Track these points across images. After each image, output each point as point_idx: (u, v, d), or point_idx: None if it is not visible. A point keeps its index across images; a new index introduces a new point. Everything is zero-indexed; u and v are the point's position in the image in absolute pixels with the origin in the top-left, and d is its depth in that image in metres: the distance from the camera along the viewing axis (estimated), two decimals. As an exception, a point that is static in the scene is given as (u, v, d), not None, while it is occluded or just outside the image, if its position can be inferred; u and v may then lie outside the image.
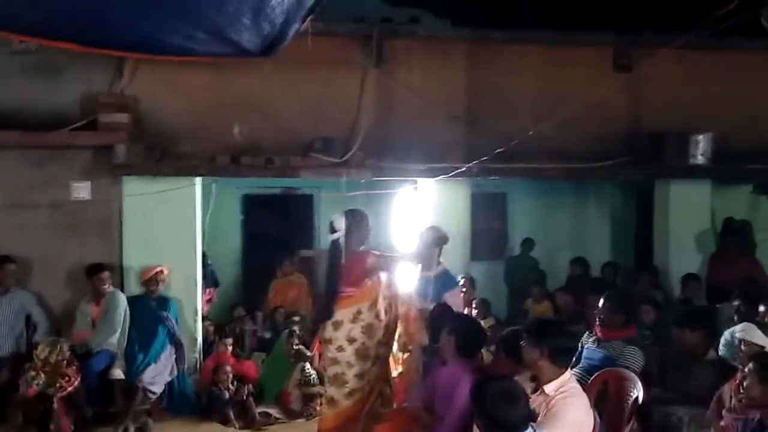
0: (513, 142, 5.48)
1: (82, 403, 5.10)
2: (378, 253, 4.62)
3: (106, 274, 5.63)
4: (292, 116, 6.37)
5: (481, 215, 7.82)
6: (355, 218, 4.62)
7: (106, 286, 5.61)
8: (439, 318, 4.29)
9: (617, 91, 6.76)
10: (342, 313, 4.50)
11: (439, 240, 4.88)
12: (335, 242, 4.58)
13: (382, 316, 4.56)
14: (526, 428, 2.59)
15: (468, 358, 3.77)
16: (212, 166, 6.16)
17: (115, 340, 5.42)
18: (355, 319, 4.48)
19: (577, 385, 3.19)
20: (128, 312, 5.55)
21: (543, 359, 3.11)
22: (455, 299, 4.75)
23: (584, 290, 6.14)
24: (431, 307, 4.57)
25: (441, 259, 4.88)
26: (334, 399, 4.49)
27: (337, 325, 4.50)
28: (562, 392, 3.05)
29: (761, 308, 4.24)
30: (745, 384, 2.75)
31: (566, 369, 3.18)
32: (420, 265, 4.80)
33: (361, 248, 4.58)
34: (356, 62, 6.51)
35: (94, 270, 5.63)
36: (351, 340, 4.48)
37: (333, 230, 4.59)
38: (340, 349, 4.48)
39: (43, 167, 5.96)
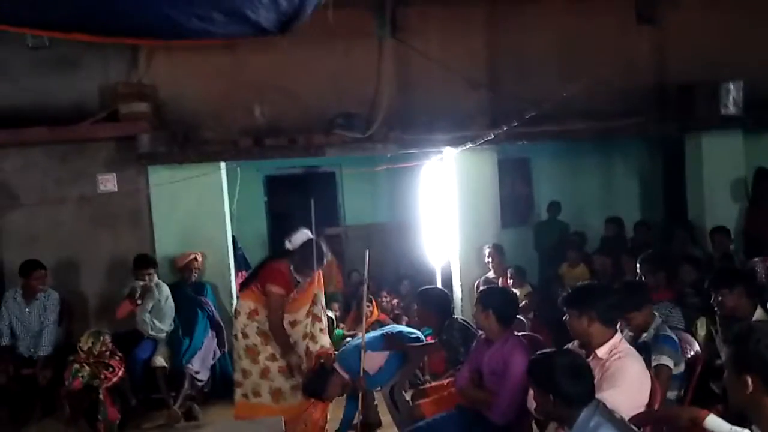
0: (543, 106, 5.34)
1: (128, 392, 5.15)
2: (292, 283, 4.42)
3: (150, 270, 5.52)
4: (311, 93, 6.29)
5: (508, 182, 7.72)
6: (307, 250, 4.38)
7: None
8: (430, 302, 4.26)
9: (642, 44, 6.60)
10: (241, 304, 4.51)
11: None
12: (283, 247, 4.52)
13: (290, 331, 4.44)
14: (592, 400, 2.54)
15: (509, 328, 3.72)
16: (236, 150, 6.12)
17: (166, 328, 5.46)
18: (250, 316, 4.42)
19: (629, 345, 3.13)
20: (172, 300, 5.55)
21: (593, 324, 3.04)
22: (373, 362, 4.49)
23: (621, 251, 6.07)
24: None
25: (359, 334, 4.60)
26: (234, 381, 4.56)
27: (236, 314, 4.51)
28: (616, 354, 3.00)
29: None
30: None
31: (616, 330, 3.11)
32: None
33: (289, 266, 4.42)
34: (371, 33, 6.38)
35: (140, 263, 5.54)
36: (244, 335, 4.43)
37: (289, 239, 4.51)
38: (236, 337, 4.49)
39: (69, 161, 5.98)
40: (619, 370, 2.90)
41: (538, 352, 2.77)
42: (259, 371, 4.40)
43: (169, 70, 6.12)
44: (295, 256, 4.43)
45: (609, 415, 2.50)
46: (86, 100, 5.96)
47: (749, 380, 1.99)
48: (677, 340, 3.50)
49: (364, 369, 4.39)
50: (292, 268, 4.43)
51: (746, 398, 2.01)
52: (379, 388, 4.70)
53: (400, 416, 4.41)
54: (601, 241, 7.25)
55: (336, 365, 4.51)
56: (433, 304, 4.25)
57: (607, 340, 3.04)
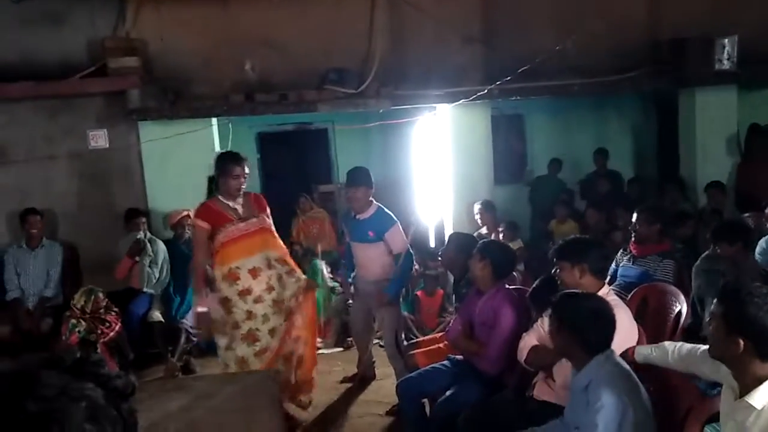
0: (536, 61, 5.28)
1: (125, 347, 5.20)
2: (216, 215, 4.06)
3: (142, 219, 5.68)
4: (302, 48, 6.20)
5: (501, 138, 7.69)
6: (219, 161, 4.16)
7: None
8: (465, 248, 4.21)
9: (636, -1, 6.50)
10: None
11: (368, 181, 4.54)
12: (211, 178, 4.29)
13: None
14: (608, 348, 2.56)
15: (502, 281, 3.76)
16: (227, 106, 6.07)
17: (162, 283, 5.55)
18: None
19: (617, 297, 3.18)
20: (167, 257, 5.59)
21: (585, 275, 3.07)
22: (396, 237, 4.45)
23: (614, 206, 6.09)
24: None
25: (372, 200, 4.52)
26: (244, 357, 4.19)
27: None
28: None
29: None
30: None
31: (605, 282, 3.15)
32: (354, 210, 4.50)
33: (215, 200, 4.13)
34: (364, -14, 6.27)
35: (130, 215, 5.68)
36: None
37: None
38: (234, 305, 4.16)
39: (58, 117, 5.91)
40: None
41: (569, 291, 2.80)
42: (225, 344, 4.18)
43: (158, 25, 6.00)
44: (217, 179, 4.13)
45: (617, 367, 2.53)
46: (73, 55, 5.86)
47: (741, 343, 1.97)
48: None
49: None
50: (221, 196, 4.09)
51: (735, 357, 2.01)
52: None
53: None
54: (597, 197, 7.23)
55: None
56: (466, 251, 4.06)
57: (597, 292, 3.08)
